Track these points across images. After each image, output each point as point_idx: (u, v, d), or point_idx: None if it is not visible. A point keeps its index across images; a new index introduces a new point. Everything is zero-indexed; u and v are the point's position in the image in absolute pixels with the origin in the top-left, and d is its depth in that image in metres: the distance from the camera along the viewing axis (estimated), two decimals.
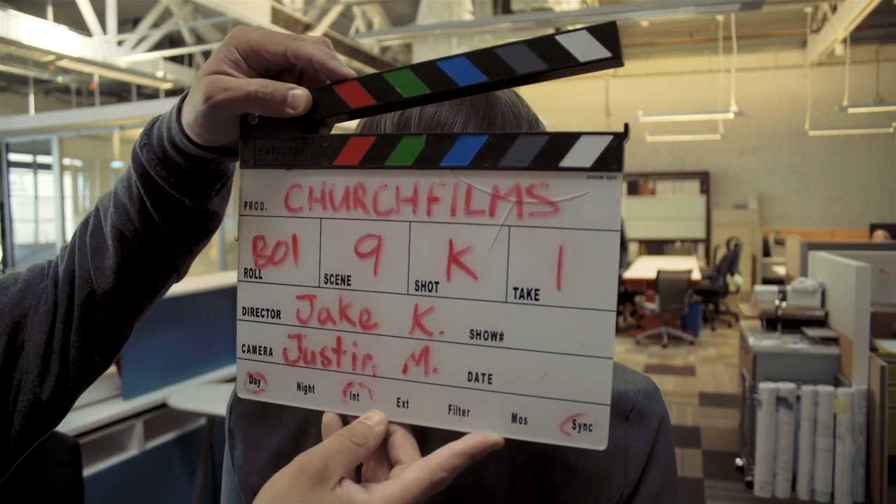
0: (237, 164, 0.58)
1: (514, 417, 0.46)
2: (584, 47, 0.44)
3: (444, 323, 0.47)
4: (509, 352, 0.46)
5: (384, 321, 0.49)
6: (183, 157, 0.54)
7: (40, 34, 5.64)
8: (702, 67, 10.48)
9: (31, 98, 9.75)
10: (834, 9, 8.04)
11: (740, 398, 4.16)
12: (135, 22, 7.59)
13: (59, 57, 6.02)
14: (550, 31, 8.18)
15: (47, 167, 7.30)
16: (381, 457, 0.47)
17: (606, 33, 0.43)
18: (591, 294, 0.44)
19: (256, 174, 0.52)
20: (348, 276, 0.50)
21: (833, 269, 3.86)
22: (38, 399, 0.62)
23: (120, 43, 6.71)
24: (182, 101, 0.54)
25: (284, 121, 0.50)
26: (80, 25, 6.37)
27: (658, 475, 0.59)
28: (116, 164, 6.46)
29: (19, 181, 9.16)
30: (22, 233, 8.60)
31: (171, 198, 0.56)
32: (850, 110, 7.82)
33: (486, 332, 0.46)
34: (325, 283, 0.51)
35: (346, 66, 0.50)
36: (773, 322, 3.97)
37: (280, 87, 0.49)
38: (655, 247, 10.85)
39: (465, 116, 0.56)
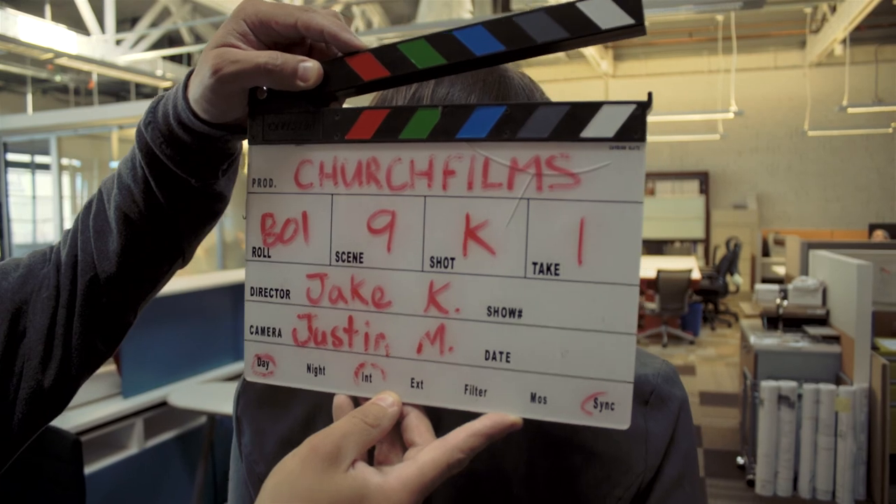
0: (244, 144, 0.56)
1: (533, 397, 0.45)
2: (606, 14, 0.42)
3: (460, 300, 0.46)
4: (528, 329, 0.44)
5: (398, 299, 0.47)
6: (189, 134, 0.53)
7: (38, 32, 5.62)
8: (701, 68, 10.48)
9: (29, 97, 9.73)
10: (833, 9, 8.04)
11: (741, 397, 4.15)
12: (133, 21, 7.58)
13: (58, 55, 6.00)
14: None
15: (45, 167, 7.28)
16: (394, 439, 0.46)
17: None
18: (614, 268, 0.42)
19: (265, 150, 0.51)
20: (361, 253, 0.48)
21: (834, 267, 3.85)
22: (41, 386, 0.60)
23: (118, 42, 6.69)
24: (189, 76, 0.52)
25: (294, 95, 0.49)
26: (78, 25, 6.35)
27: (679, 460, 0.57)
28: (115, 164, 6.43)
29: (17, 181, 9.13)
30: (20, 233, 8.58)
31: (177, 178, 0.55)
32: (850, 111, 7.82)
33: (503, 308, 0.45)
34: (337, 261, 0.49)
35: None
36: (775, 321, 3.96)
37: (290, 59, 0.47)
38: (655, 247, 10.84)
39: (478, 97, 0.56)
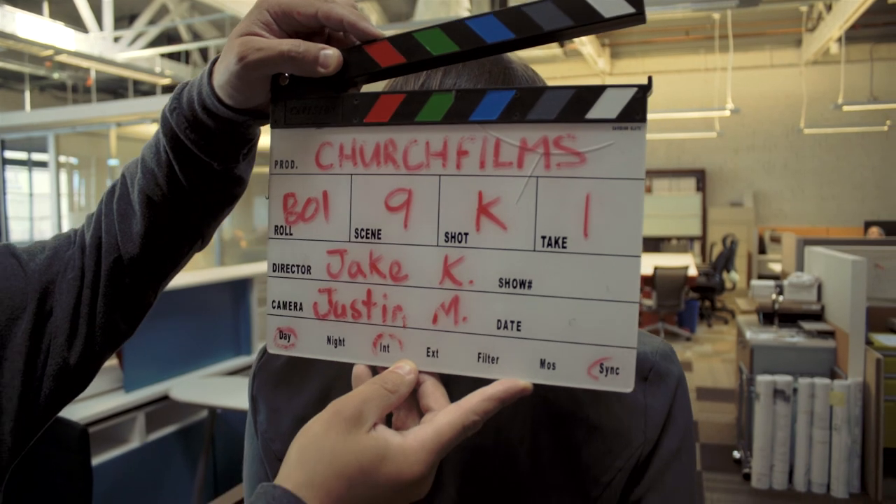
0: (262, 129, 0.59)
1: (542, 363, 0.47)
2: (609, 3, 0.45)
3: (473, 273, 0.49)
4: (537, 299, 0.47)
5: (414, 273, 0.50)
6: (213, 119, 0.55)
7: (37, 29, 5.62)
8: (698, 66, 10.51)
9: (27, 94, 9.71)
10: (829, 8, 8.08)
11: (737, 392, 4.19)
12: (131, 18, 7.57)
13: (56, 52, 6.00)
14: None
15: (43, 164, 7.28)
16: (411, 406, 0.49)
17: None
18: (618, 240, 0.45)
19: (287, 133, 0.53)
20: (378, 229, 0.51)
21: (829, 263, 3.88)
22: (67, 363, 0.63)
23: (116, 39, 6.69)
24: (213, 64, 0.55)
25: (315, 81, 0.51)
26: (76, 22, 6.35)
27: (677, 434, 0.60)
28: (113, 162, 6.43)
29: (14, 178, 9.12)
30: (17, 231, 8.57)
31: (200, 161, 0.58)
32: (845, 108, 7.85)
33: (514, 280, 0.48)
34: (356, 237, 0.52)
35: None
36: (770, 316, 4.00)
37: (312, 47, 0.50)
38: (652, 244, 10.87)
39: (484, 87, 0.58)
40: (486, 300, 0.48)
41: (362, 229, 0.52)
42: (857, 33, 8.68)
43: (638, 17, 0.45)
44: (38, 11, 6.38)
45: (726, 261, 8.69)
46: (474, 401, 0.46)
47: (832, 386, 3.39)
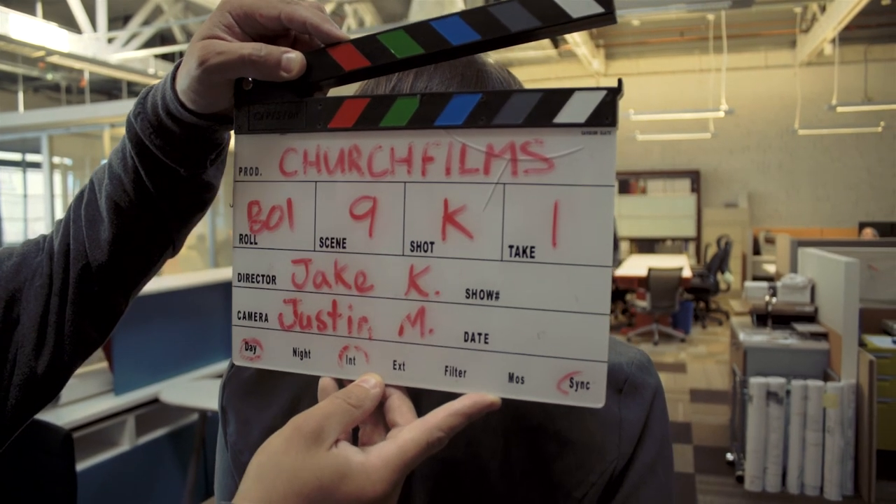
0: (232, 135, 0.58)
1: (510, 377, 0.46)
2: (577, 3, 0.43)
3: (439, 283, 0.47)
4: (505, 310, 0.46)
5: (379, 283, 0.49)
6: (177, 124, 0.54)
7: (30, 30, 5.60)
8: (692, 67, 10.52)
9: (21, 95, 9.67)
10: (823, 9, 8.10)
11: (731, 394, 4.18)
12: (125, 19, 7.55)
13: (49, 53, 5.97)
14: None
15: (37, 165, 7.25)
16: (377, 420, 0.47)
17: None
18: (587, 250, 0.44)
19: (251, 139, 0.52)
20: (343, 238, 0.50)
21: (822, 265, 3.88)
22: (34, 372, 0.62)
23: (110, 40, 6.67)
24: (176, 68, 0.54)
25: (279, 85, 0.50)
26: (70, 22, 6.33)
27: (653, 446, 0.58)
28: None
29: (8, 179, 9.09)
30: (11, 232, 8.55)
31: (166, 167, 0.56)
32: (839, 110, 7.87)
33: (481, 291, 0.46)
34: (321, 246, 0.50)
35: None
36: (764, 318, 4.00)
37: (274, 50, 0.49)
38: (646, 245, 10.88)
39: (457, 90, 0.57)
40: (453, 312, 0.47)
41: (327, 238, 0.50)
42: (851, 34, 8.70)
43: (607, 16, 0.43)
44: (32, 12, 6.36)
45: (721, 262, 8.70)
46: (440, 416, 0.44)
47: (825, 388, 3.39)
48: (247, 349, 0.54)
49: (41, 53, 6.11)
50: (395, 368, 0.49)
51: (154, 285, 2.83)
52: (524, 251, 0.45)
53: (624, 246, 10.89)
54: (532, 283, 0.45)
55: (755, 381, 3.51)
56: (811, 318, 3.90)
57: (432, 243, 0.47)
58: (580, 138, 0.44)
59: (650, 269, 7.08)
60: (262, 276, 0.53)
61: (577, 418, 0.57)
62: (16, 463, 1.60)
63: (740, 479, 3.64)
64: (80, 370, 0.67)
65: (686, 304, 7.72)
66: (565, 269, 0.44)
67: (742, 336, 3.78)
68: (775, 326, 3.94)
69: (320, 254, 0.51)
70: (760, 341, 3.69)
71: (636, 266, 8.14)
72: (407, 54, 0.48)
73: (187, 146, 0.55)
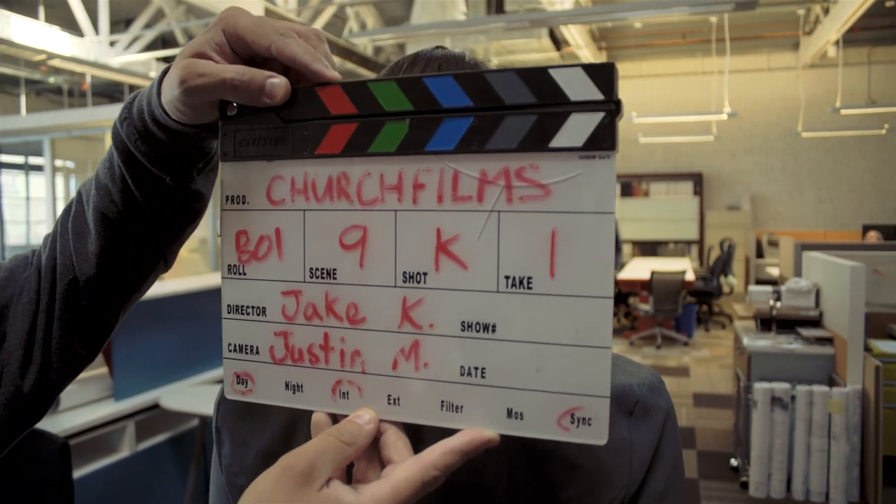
0: None
1: (509, 412, 0.44)
2: (577, 85, 0.41)
3: (433, 315, 0.45)
4: (502, 344, 0.44)
5: (372, 315, 0.47)
6: (164, 131, 0.52)
7: (32, 34, 5.60)
8: (695, 69, 10.51)
9: (23, 99, 9.68)
10: (826, 11, 8.07)
11: (735, 398, 4.16)
12: (127, 23, 7.56)
13: (52, 56, 5.97)
14: (544, 31, 8.06)
15: (39, 168, 7.26)
16: (372, 457, 0.45)
17: (603, 74, 0.41)
18: (586, 280, 0.42)
19: (237, 167, 0.50)
20: (334, 269, 0.48)
21: (827, 269, 3.86)
22: (20, 391, 0.60)
23: (112, 44, 6.67)
24: (163, 74, 0.52)
25: (264, 110, 0.48)
26: (72, 26, 6.33)
27: (664, 473, 0.56)
28: None
29: (10, 182, 9.11)
30: (13, 234, 8.57)
31: (153, 175, 0.54)
32: (843, 112, 7.85)
33: (477, 323, 0.44)
34: (311, 277, 0.49)
35: (334, 67, 0.48)
36: (768, 322, 3.97)
37: (257, 75, 0.47)
38: (649, 248, 10.86)
39: None
40: (448, 345, 0.45)
41: (317, 269, 0.48)
42: (854, 36, 8.68)
43: (607, 105, 0.41)
44: (34, 16, 6.36)
45: (724, 265, 8.67)
46: (435, 454, 0.43)
47: (831, 393, 3.36)
48: (238, 383, 0.52)
49: (43, 57, 6.11)
50: (389, 403, 0.47)
51: (155, 289, 2.82)
52: (521, 282, 0.43)
53: (626, 249, 10.87)
54: (530, 316, 0.43)
55: (759, 386, 3.49)
56: (816, 322, 3.87)
57: (425, 274, 0.45)
58: (578, 163, 0.42)
59: (653, 273, 7.06)
60: (252, 307, 0.51)
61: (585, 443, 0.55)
62: (12, 472, 1.58)
63: (744, 485, 3.61)
64: (80, 375, 0.66)
65: (689, 307, 7.70)
66: (564, 301, 0.42)
67: (746, 340, 3.75)
68: (780, 331, 3.91)
69: (310, 285, 0.49)
70: (765, 346, 3.66)
71: (639, 269, 8.12)
72: (395, 108, 0.46)
73: (174, 154, 0.53)
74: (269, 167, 0.49)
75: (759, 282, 8.45)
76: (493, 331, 0.44)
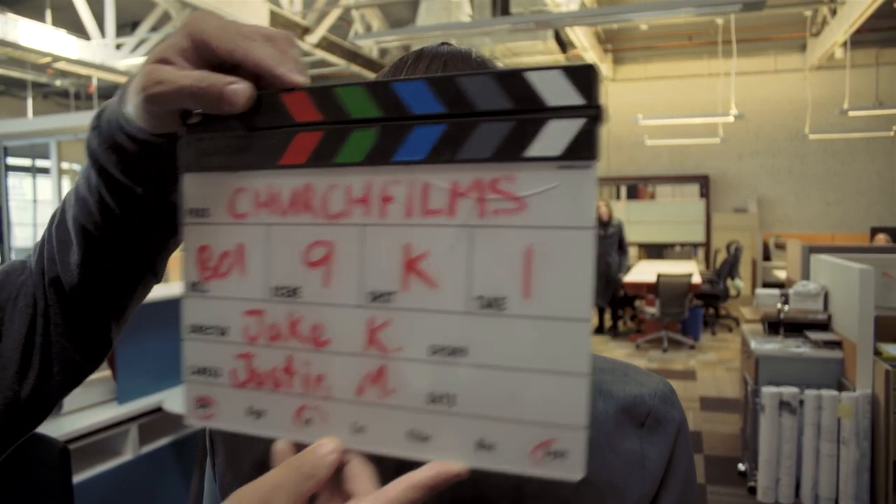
0: None
1: (479, 444, 0.41)
2: (556, 89, 0.38)
3: (401, 338, 0.42)
4: (474, 370, 0.41)
5: (336, 337, 0.44)
6: (131, 141, 0.50)
7: (39, 37, 5.62)
8: (701, 71, 10.47)
9: (30, 102, 9.73)
10: (833, 12, 8.03)
11: (742, 402, 4.12)
12: (133, 26, 7.58)
13: (58, 59, 6.00)
14: (549, 33, 8.03)
15: (45, 171, 7.28)
16: (335, 489, 0.42)
17: (582, 77, 0.38)
18: (563, 301, 0.39)
19: (200, 178, 0.47)
20: (297, 287, 0.45)
21: (836, 272, 3.82)
22: (17, 397, 0.58)
23: (118, 46, 6.69)
24: (130, 81, 0.49)
25: (228, 118, 0.45)
26: (78, 29, 6.35)
27: (677, 487, 0.54)
28: None
29: (18, 185, 9.14)
30: (20, 237, 8.59)
31: (124, 186, 0.52)
32: (850, 114, 7.82)
33: (447, 347, 0.41)
34: (274, 296, 0.46)
35: (304, 72, 0.45)
36: (776, 325, 3.93)
37: (217, 82, 0.44)
38: (655, 251, 10.82)
39: None
40: (416, 370, 0.42)
41: (281, 287, 0.45)
42: (862, 37, 8.62)
43: (587, 110, 0.38)
44: (41, 19, 6.39)
45: (730, 267, 8.63)
46: (399, 489, 0.40)
47: (840, 398, 3.32)
48: (199, 407, 0.49)
49: (50, 60, 6.13)
50: (354, 432, 0.44)
51: (158, 293, 2.80)
52: (493, 302, 0.40)
53: (632, 251, 10.83)
54: (503, 340, 0.40)
55: (767, 390, 3.45)
56: (824, 325, 3.83)
57: (392, 293, 0.42)
58: (555, 174, 0.38)
59: (659, 276, 7.03)
60: (214, 327, 0.48)
61: (596, 455, 0.53)
62: (11, 476, 1.57)
63: (752, 490, 3.58)
64: None
65: (695, 310, 7.66)
66: (539, 324, 0.39)
67: (754, 344, 3.72)
68: (787, 334, 3.87)
69: (274, 304, 0.46)
70: (773, 350, 3.62)
71: (645, 272, 8.08)
72: (362, 115, 0.43)
73: (144, 164, 0.51)
74: (233, 178, 0.46)
75: (766, 285, 8.40)
76: (464, 355, 0.41)
